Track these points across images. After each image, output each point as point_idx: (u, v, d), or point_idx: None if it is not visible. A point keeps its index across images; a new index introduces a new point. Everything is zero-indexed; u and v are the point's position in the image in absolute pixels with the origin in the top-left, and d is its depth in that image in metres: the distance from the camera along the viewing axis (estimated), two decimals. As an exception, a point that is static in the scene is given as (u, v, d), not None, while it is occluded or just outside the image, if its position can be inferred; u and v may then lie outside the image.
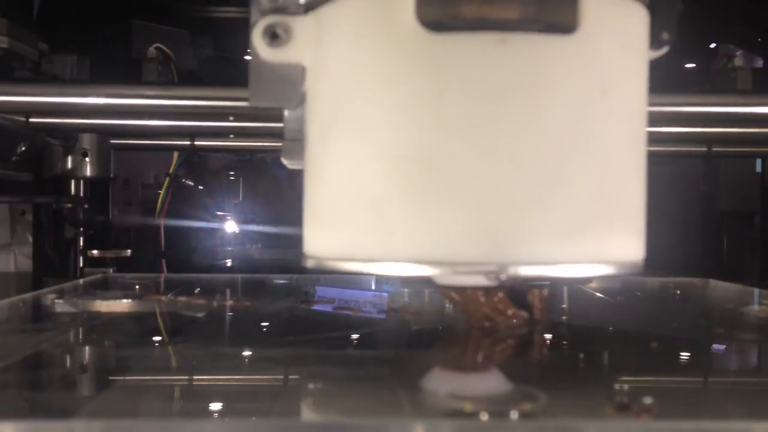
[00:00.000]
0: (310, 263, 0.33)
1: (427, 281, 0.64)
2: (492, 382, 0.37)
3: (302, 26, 0.32)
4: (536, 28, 0.29)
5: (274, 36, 0.33)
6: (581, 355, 0.48)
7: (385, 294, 0.69)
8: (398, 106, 0.30)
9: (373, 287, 0.75)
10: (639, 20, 0.32)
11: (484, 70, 0.29)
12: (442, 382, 0.36)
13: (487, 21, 0.28)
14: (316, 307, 0.63)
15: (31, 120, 0.78)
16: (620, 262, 0.32)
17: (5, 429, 0.28)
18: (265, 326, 0.56)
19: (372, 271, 0.31)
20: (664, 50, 0.34)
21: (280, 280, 0.83)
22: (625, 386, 0.36)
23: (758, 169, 1.46)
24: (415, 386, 0.35)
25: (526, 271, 0.30)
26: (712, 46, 1.25)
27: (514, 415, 0.31)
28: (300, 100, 0.34)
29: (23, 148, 0.82)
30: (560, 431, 0.30)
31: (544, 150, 0.29)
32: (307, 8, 0.33)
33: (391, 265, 0.30)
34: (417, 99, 0.29)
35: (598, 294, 0.75)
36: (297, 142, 0.36)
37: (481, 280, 0.31)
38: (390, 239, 0.30)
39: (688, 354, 0.49)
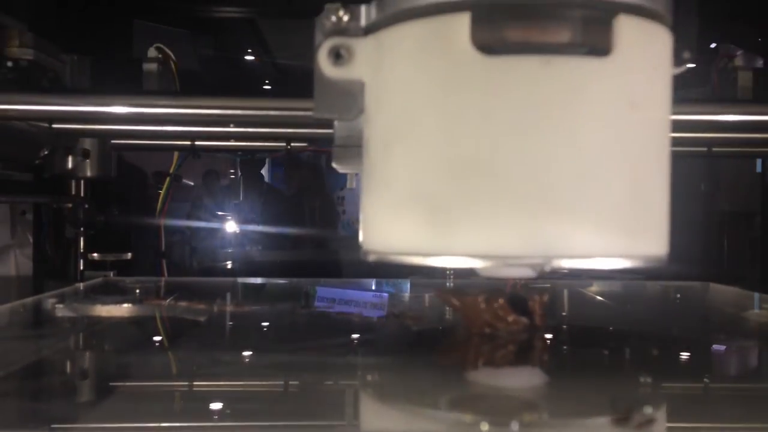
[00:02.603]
0: (371, 257, 0.36)
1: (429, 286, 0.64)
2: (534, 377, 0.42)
3: (363, 47, 0.36)
4: (577, 51, 0.32)
5: (338, 56, 0.36)
6: (582, 362, 0.48)
7: (385, 294, 0.69)
8: (454, 118, 0.32)
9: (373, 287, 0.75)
10: (664, 41, 0.35)
11: (529, 88, 0.32)
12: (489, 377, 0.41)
13: (533, 45, 0.32)
14: (317, 304, 0.64)
15: (54, 126, 0.79)
16: (647, 256, 0.34)
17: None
18: (265, 331, 0.56)
19: (431, 264, 0.34)
20: (685, 67, 0.37)
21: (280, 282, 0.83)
22: (625, 396, 0.36)
23: (759, 169, 1.46)
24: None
25: (567, 263, 0.33)
26: (713, 46, 1.24)
27: (515, 426, 0.31)
28: (358, 112, 0.37)
29: (46, 152, 0.85)
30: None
31: (581, 158, 0.32)
32: (367, 31, 0.36)
33: (448, 259, 0.33)
34: (471, 113, 0.32)
35: (599, 298, 0.75)
36: (346, 148, 0.39)
37: (526, 272, 0.35)
38: (447, 236, 0.33)
39: (688, 359, 0.49)
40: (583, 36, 0.32)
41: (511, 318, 0.51)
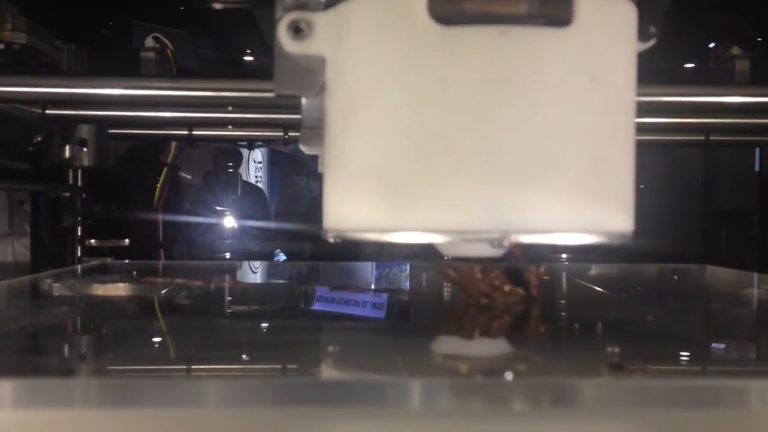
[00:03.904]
0: (331, 235, 0.36)
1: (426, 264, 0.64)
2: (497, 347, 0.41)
3: (323, 21, 0.35)
4: (536, 22, 0.32)
5: (297, 30, 0.35)
6: (576, 327, 0.48)
7: (385, 294, 0.69)
8: (411, 91, 0.32)
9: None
10: (627, 15, 0.35)
11: (488, 58, 0.31)
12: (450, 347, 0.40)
13: (491, 15, 0.31)
14: (316, 304, 0.64)
15: (47, 112, 0.79)
16: (611, 232, 0.34)
17: (3, 387, 0.28)
18: (261, 306, 0.56)
19: (388, 240, 0.33)
20: (651, 42, 0.37)
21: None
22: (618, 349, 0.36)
23: (756, 168, 1.46)
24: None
25: (526, 238, 0.32)
26: (711, 45, 1.25)
27: (509, 375, 0.31)
28: (320, 89, 0.37)
29: (39, 139, 0.84)
30: (555, 390, 0.30)
31: (541, 130, 0.32)
32: (327, 5, 0.35)
33: (406, 234, 0.33)
34: (428, 85, 0.32)
35: (594, 286, 0.75)
36: (314, 129, 0.39)
37: (485, 248, 0.34)
38: (405, 211, 0.32)
39: (683, 332, 0.49)
40: (541, 6, 0.31)
41: (507, 288, 0.51)
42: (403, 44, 0.32)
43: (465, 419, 0.29)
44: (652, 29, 0.36)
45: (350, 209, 0.34)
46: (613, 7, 0.34)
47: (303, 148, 0.40)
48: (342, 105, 0.34)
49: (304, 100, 0.39)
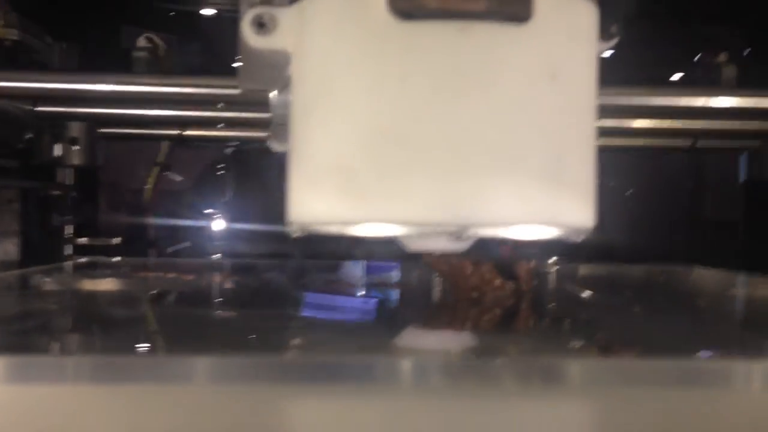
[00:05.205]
0: (293, 228, 0.36)
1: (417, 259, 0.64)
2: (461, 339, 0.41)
3: (287, 16, 0.35)
4: (494, 18, 0.32)
5: (261, 25, 0.35)
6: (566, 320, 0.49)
7: (374, 299, 0.70)
8: (371, 86, 0.32)
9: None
10: (586, 14, 0.35)
11: (446, 54, 0.32)
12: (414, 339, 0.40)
13: (450, 11, 0.32)
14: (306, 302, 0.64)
15: (37, 109, 0.79)
16: (569, 226, 0.34)
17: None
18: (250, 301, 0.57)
19: (349, 233, 0.34)
20: (614, 42, 0.37)
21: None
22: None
23: (741, 179, 1.47)
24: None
25: (483, 231, 0.33)
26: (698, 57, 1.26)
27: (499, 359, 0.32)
28: (284, 84, 0.37)
29: (29, 136, 0.84)
30: (545, 370, 0.31)
31: (498, 125, 0.32)
32: (292, 0, 0.36)
33: (366, 227, 0.33)
34: (387, 79, 0.32)
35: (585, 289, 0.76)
36: (283, 126, 0.38)
37: (444, 242, 0.35)
38: (364, 203, 0.33)
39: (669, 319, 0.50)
40: (500, 2, 0.32)
41: (497, 282, 0.52)
42: (362, 39, 0.32)
43: (455, 397, 0.29)
44: (614, 29, 0.37)
45: (312, 202, 0.34)
46: (572, 5, 0.34)
47: (272, 144, 0.41)
48: (305, 99, 0.35)
49: (272, 96, 0.40)
